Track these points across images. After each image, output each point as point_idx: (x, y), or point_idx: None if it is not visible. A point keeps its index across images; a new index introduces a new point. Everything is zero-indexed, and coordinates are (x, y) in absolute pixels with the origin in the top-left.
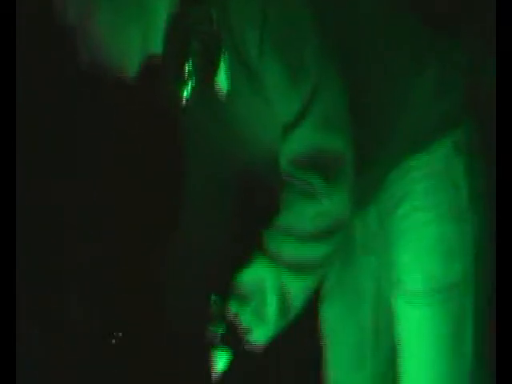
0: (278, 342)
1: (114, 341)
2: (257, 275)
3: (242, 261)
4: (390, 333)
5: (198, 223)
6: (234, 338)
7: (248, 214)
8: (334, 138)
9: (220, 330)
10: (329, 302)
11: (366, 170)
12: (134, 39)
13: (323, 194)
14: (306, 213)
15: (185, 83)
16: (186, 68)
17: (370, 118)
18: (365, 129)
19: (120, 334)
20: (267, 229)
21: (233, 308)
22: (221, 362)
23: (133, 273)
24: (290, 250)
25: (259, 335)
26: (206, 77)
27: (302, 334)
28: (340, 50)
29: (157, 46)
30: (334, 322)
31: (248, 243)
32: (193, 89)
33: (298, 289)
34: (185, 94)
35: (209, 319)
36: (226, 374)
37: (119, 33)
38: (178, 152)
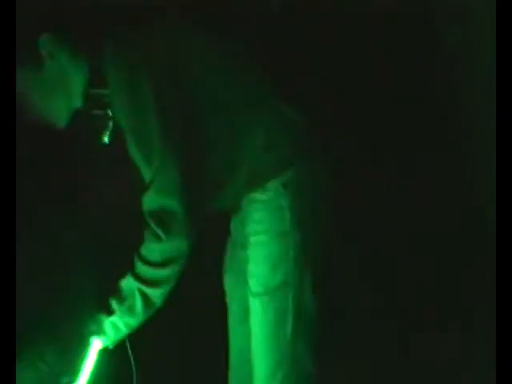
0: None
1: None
2: (129, 286)
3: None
4: (248, 322)
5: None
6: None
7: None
8: (169, 200)
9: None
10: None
11: (223, 203)
12: (59, 105)
13: (164, 238)
14: (155, 249)
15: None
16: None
17: (214, 173)
18: (212, 180)
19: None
20: (135, 256)
21: (113, 305)
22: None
23: None
24: (146, 272)
25: (133, 323)
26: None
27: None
28: (179, 131)
29: (79, 103)
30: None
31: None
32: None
33: (154, 293)
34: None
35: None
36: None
37: (48, 103)
38: None
